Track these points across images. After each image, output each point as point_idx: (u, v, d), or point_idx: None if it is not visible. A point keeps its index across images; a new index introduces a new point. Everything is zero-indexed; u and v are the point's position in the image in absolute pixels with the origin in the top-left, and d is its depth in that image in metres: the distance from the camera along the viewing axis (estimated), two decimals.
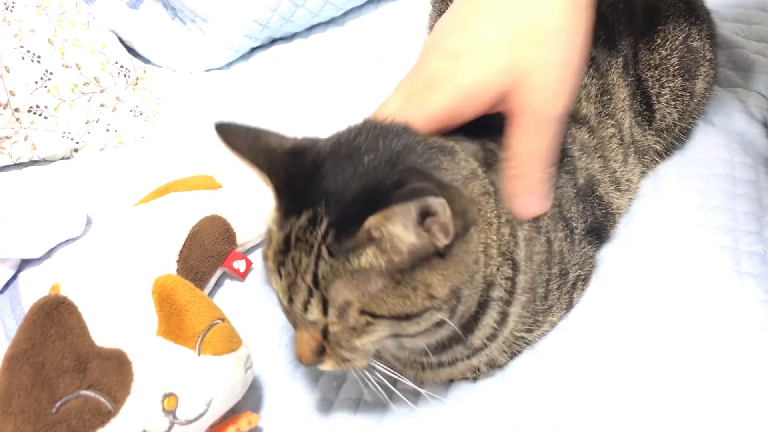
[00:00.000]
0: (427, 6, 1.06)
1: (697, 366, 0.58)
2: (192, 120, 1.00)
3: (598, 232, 0.67)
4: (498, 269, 0.54)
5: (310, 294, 0.48)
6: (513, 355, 0.63)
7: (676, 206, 0.70)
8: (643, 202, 0.72)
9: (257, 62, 1.08)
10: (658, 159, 0.73)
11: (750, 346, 0.58)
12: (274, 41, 1.09)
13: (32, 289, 0.77)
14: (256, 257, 0.77)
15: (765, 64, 0.86)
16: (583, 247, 0.65)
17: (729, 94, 0.84)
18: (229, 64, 1.08)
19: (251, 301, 0.73)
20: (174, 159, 0.93)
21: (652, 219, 0.70)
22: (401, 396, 0.59)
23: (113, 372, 0.49)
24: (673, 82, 0.69)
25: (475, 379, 0.63)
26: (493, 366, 0.62)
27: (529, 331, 0.61)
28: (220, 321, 0.55)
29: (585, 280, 0.66)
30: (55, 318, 0.48)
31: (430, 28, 0.85)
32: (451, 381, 0.63)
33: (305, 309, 0.49)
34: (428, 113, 0.53)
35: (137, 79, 1.02)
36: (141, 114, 1.00)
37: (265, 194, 0.78)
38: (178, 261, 0.66)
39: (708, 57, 0.71)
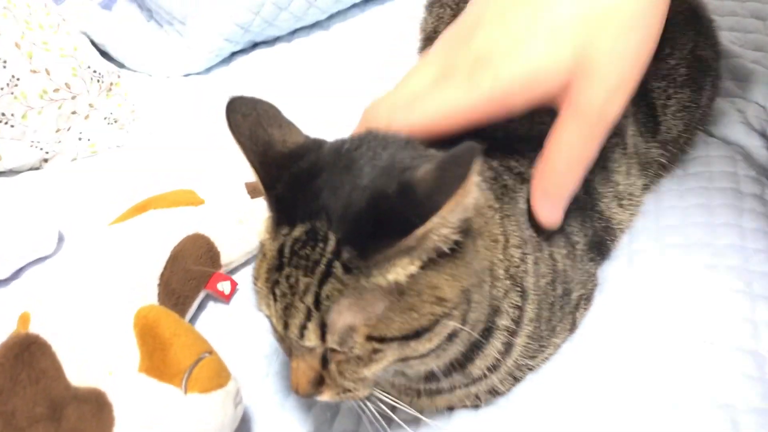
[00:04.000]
0: (417, 10, 1.04)
1: (706, 392, 0.55)
2: (170, 128, 0.96)
3: (599, 248, 0.64)
4: (505, 295, 0.51)
5: (308, 317, 0.44)
6: (515, 381, 0.60)
7: (680, 223, 0.68)
8: (647, 218, 0.69)
9: (238, 67, 1.04)
10: (662, 172, 0.71)
11: (763, 371, 0.56)
12: (255, 45, 1.05)
13: (1, 312, 0.72)
14: (242, 278, 0.73)
15: (763, 74, 0.84)
16: (585, 265, 0.62)
17: (727, 105, 0.81)
18: (209, 69, 1.03)
19: (237, 326, 0.69)
20: (151, 170, 0.88)
21: (656, 236, 0.67)
22: (402, 425, 0.55)
23: (91, 417, 0.45)
24: (681, 93, 0.66)
25: (476, 407, 0.59)
26: (494, 393, 0.59)
27: (533, 357, 0.58)
28: (207, 354, 0.51)
29: (588, 299, 0.63)
30: (26, 360, 0.43)
31: (424, 31, 0.82)
32: (451, 409, 0.60)
33: (301, 335, 0.45)
34: (473, 97, 0.47)
35: (111, 84, 0.96)
36: (115, 122, 0.95)
37: (251, 209, 0.75)
38: (159, 285, 0.62)
39: (713, 67, 0.69)
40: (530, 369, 0.60)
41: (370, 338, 0.44)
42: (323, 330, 0.44)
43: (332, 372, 0.47)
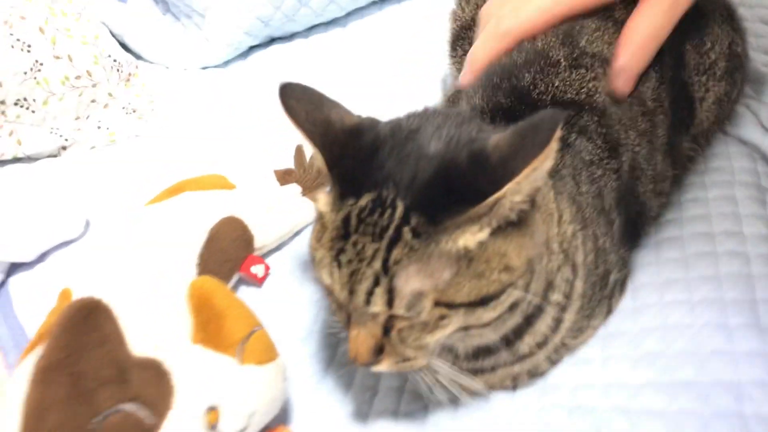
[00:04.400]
0: (432, 9, 1.06)
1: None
2: (188, 119, 0.96)
3: (631, 234, 0.65)
4: (559, 269, 0.53)
5: (376, 282, 0.45)
6: (554, 362, 0.61)
7: (705, 213, 0.69)
8: (672, 210, 0.71)
9: (256, 61, 1.04)
10: (689, 165, 0.73)
11: None
12: (273, 41, 1.06)
13: (25, 296, 0.71)
14: (273, 262, 0.73)
15: None
16: (620, 249, 0.63)
17: (741, 107, 0.84)
18: (227, 63, 1.04)
19: (270, 309, 0.68)
20: (170, 160, 0.88)
21: (680, 226, 0.69)
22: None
23: (153, 384, 0.45)
24: (718, 86, 0.68)
25: (514, 387, 0.60)
26: (535, 374, 0.60)
27: (575, 337, 0.59)
28: (259, 328, 0.51)
29: (622, 285, 0.64)
30: (91, 323, 0.43)
31: (459, 20, 0.83)
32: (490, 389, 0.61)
33: (368, 300, 0.45)
34: None
35: (129, 74, 0.96)
36: (134, 111, 0.95)
37: (281, 196, 0.75)
38: (198, 265, 0.62)
39: (744, 64, 0.71)
40: (569, 351, 0.61)
41: (438, 304, 0.45)
42: (390, 295, 0.45)
43: (393, 339, 0.48)
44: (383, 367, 0.49)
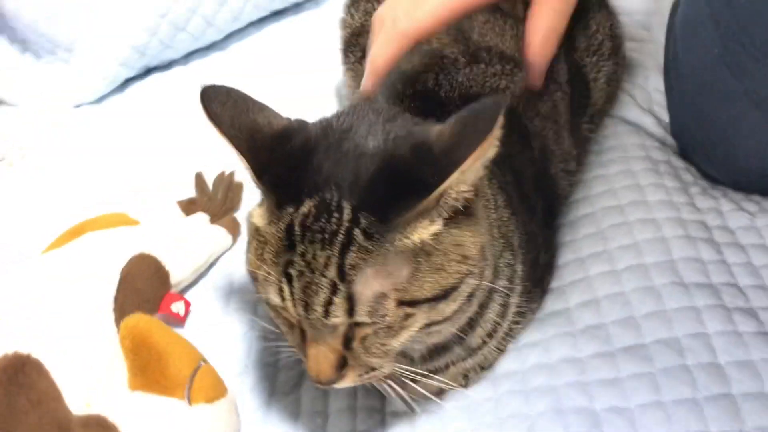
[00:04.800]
0: (315, 25, 1.05)
1: None
2: (65, 162, 0.88)
3: (549, 217, 0.68)
4: (501, 254, 0.53)
5: (334, 291, 0.42)
6: (501, 351, 0.61)
7: (609, 188, 0.73)
8: (580, 189, 0.74)
9: (133, 94, 0.98)
10: (587, 146, 0.76)
11: None
12: (149, 71, 1.00)
13: None
14: (193, 297, 0.68)
15: (639, 61, 0.94)
16: (545, 230, 0.65)
17: (620, 90, 0.90)
18: (102, 98, 0.96)
19: (198, 348, 0.63)
20: (52, 207, 0.80)
21: (592, 203, 0.72)
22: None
23: None
24: (607, 65, 0.73)
25: (466, 385, 0.59)
26: (485, 367, 0.60)
27: (517, 322, 0.60)
28: (203, 363, 0.47)
29: (551, 264, 0.66)
30: (22, 382, 0.37)
31: (349, 27, 0.82)
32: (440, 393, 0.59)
33: (326, 312, 0.43)
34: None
35: None
36: (2, 159, 0.86)
37: (189, 227, 0.70)
38: (114, 310, 0.56)
39: (622, 46, 0.76)
40: (513, 338, 0.61)
41: (401, 303, 0.43)
42: (350, 303, 0.42)
43: (356, 351, 0.45)
44: (348, 381, 0.47)
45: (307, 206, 0.43)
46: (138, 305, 0.59)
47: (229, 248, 0.72)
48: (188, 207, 0.73)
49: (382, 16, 0.62)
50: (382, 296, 0.43)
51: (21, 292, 0.53)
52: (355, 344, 0.45)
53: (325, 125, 0.47)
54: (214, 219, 0.73)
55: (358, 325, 0.44)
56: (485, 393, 0.59)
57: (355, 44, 0.80)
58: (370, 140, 0.45)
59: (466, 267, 0.45)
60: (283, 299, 0.44)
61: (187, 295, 0.67)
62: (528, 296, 0.60)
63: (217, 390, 0.46)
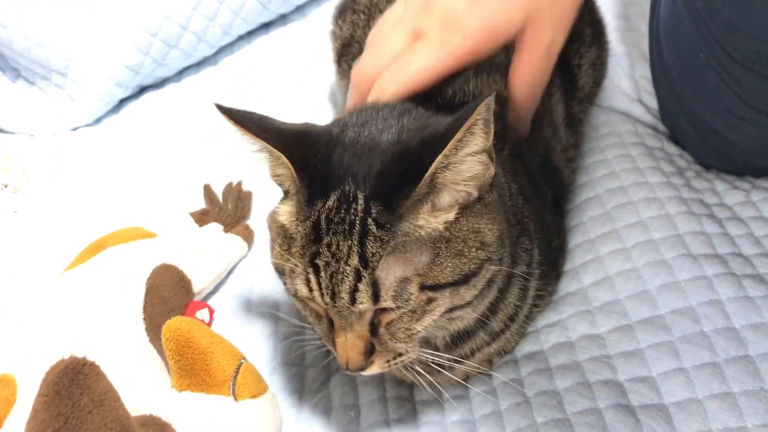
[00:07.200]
0: (304, 36, 1.06)
1: None
2: (67, 185, 0.88)
3: (557, 203, 0.70)
4: (518, 240, 0.54)
5: (358, 278, 0.44)
6: (522, 335, 0.62)
7: (610, 172, 0.75)
8: (581, 174, 0.76)
9: (129, 114, 0.98)
10: (581, 128, 0.79)
11: None
12: (143, 90, 1.01)
13: None
14: (215, 304, 0.68)
15: (623, 50, 0.97)
16: (555, 216, 0.67)
17: (606, 81, 0.92)
18: (98, 120, 0.97)
19: None
20: (56, 229, 0.80)
21: (594, 187, 0.74)
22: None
23: None
24: (590, 51, 0.75)
25: (488, 375, 0.61)
26: (507, 351, 0.62)
27: (536, 305, 0.62)
28: (244, 360, 0.48)
29: (562, 249, 0.68)
30: (83, 384, 0.37)
31: (339, 39, 0.84)
32: (467, 379, 0.61)
33: (353, 299, 0.45)
34: (448, 53, 0.55)
35: None
36: (6, 187, 0.86)
37: (205, 236, 0.71)
38: (144, 319, 0.57)
39: (604, 31, 0.79)
40: (531, 320, 0.63)
41: (423, 287, 0.45)
42: (375, 288, 0.44)
43: (383, 336, 0.47)
44: (375, 368, 0.48)
45: (332, 199, 0.45)
46: (166, 314, 0.60)
47: (245, 256, 0.73)
48: (201, 218, 0.74)
49: (364, 77, 0.59)
50: (405, 281, 0.44)
51: (53, 306, 0.54)
52: (381, 330, 0.47)
53: (343, 123, 0.49)
54: (228, 228, 0.74)
55: (383, 311, 0.46)
56: (510, 375, 0.60)
57: (347, 54, 0.82)
58: (384, 133, 0.47)
59: (485, 253, 0.47)
60: (310, 290, 0.46)
61: (209, 303, 0.68)
62: (545, 280, 0.62)
63: (260, 386, 0.47)
